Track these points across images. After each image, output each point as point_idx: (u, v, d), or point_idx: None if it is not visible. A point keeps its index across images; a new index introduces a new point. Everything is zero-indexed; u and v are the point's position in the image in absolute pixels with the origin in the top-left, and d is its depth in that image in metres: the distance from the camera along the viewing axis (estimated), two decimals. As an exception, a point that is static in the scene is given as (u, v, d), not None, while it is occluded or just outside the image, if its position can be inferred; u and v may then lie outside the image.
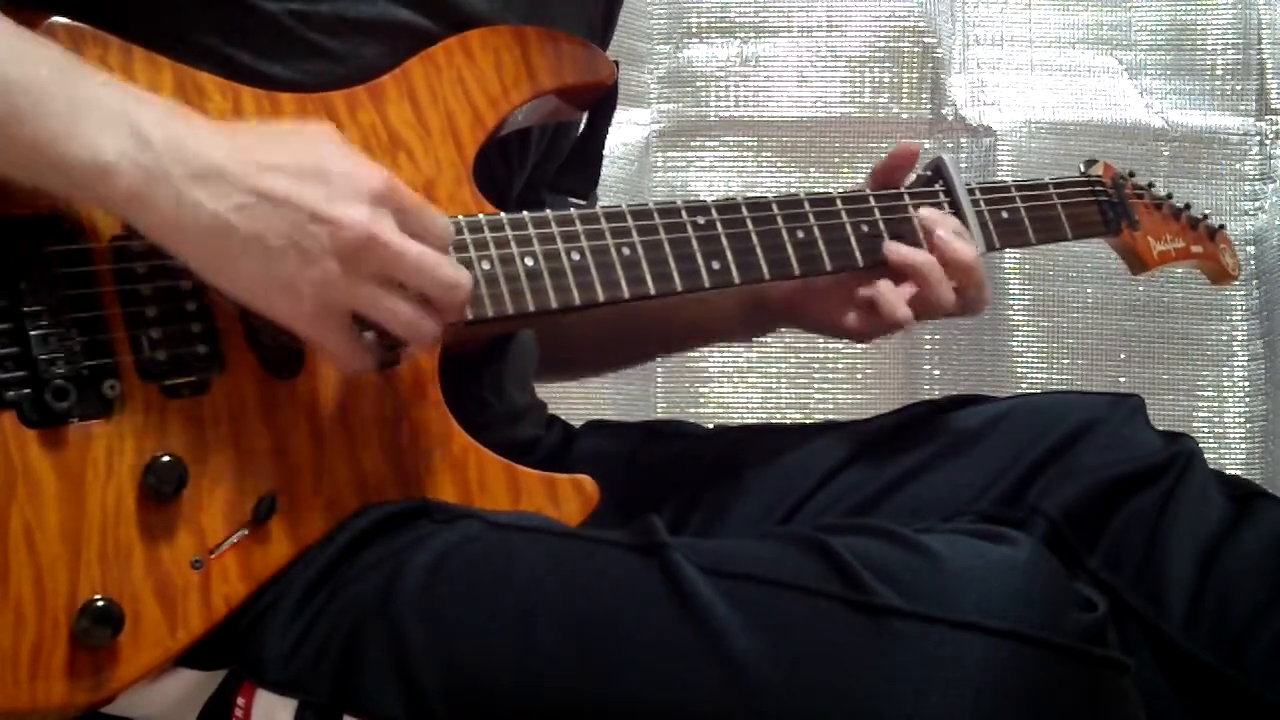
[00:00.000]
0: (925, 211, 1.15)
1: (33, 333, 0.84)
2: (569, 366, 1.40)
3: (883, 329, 1.14)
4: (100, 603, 0.82)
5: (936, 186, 1.18)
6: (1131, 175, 1.35)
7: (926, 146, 2.09)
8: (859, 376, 2.09)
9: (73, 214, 0.87)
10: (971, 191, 1.19)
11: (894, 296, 1.11)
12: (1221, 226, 1.42)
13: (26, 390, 0.83)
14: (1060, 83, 2.14)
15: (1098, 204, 1.29)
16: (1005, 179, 1.26)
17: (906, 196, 1.16)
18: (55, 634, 0.82)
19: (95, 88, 0.84)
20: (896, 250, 1.12)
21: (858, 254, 1.12)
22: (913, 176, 1.20)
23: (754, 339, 1.31)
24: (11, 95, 0.81)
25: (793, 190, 1.12)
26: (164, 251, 0.86)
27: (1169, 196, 1.39)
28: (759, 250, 1.08)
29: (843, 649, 0.76)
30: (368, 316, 0.87)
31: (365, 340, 0.89)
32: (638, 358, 1.45)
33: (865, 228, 1.13)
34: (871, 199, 1.14)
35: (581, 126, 1.20)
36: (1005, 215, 1.20)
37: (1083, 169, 1.32)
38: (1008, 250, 1.34)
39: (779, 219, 1.09)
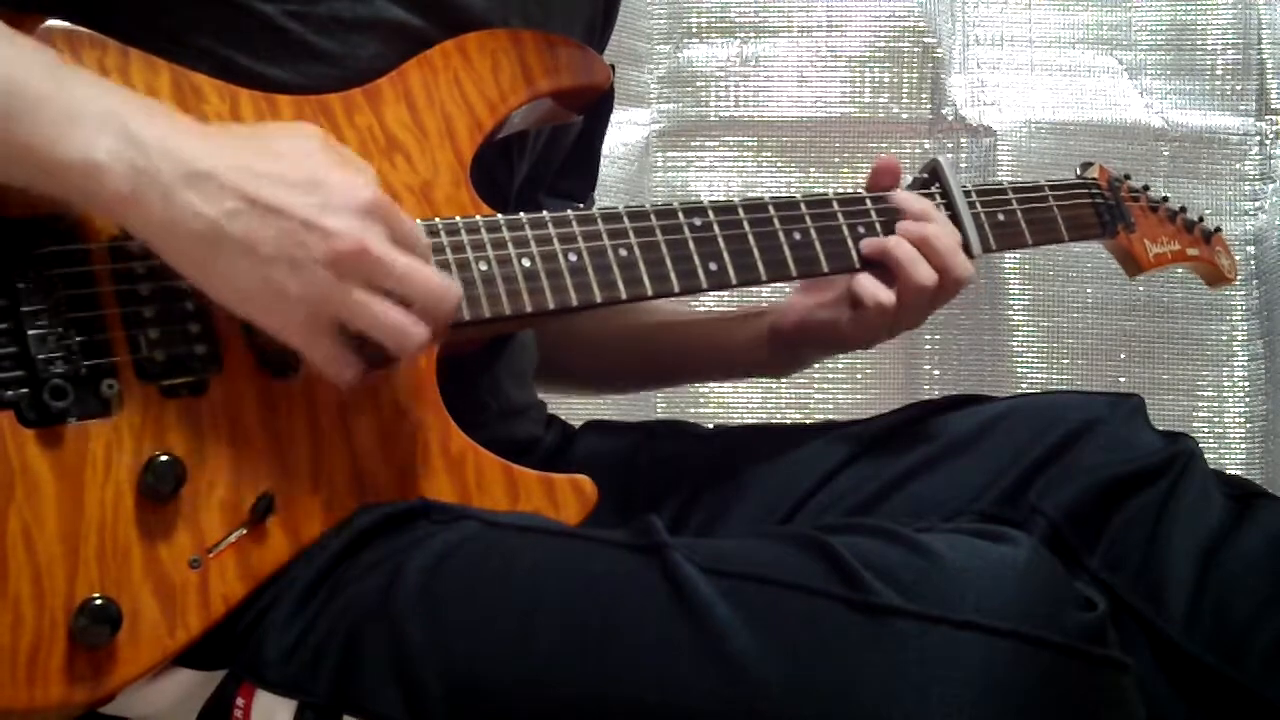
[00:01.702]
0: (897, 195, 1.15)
1: (31, 332, 0.85)
2: (581, 383, 1.41)
3: (874, 323, 1.13)
4: (98, 601, 0.82)
5: (933, 189, 1.19)
6: (1127, 178, 1.36)
7: (926, 146, 2.09)
8: (859, 376, 2.09)
9: (70, 215, 0.87)
10: (968, 194, 1.19)
11: (870, 282, 1.11)
12: (1218, 229, 1.42)
13: (24, 390, 0.84)
14: (1060, 83, 2.14)
15: (1094, 206, 1.29)
16: (1003, 180, 1.26)
17: None
18: (53, 633, 0.82)
19: (87, 90, 0.84)
20: (868, 244, 1.13)
21: (854, 256, 1.12)
22: (909, 179, 1.20)
23: (784, 376, 1.31)
24: (3, 98, 0.81)
25: (792, 190, 1.12)
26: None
27: (1165, 199, 1.39)
28: (756, 252, 1.08)
29: (843, 649, 0.75)
30: (356, 324, 0.87)
31: (353, 351, 0.89)
32: (653, 381, 1.45)
33: (862, 230, 1.13)
34: (868, 201, 1.14)
35: (579, 129, 1.20)
36: (1002, 217, 1.20)
37: (1079, 172, 1.32)
38: (1008, 251, 1.34)
39: (776, 221, 1.09)
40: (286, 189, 0.85)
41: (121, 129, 0.82)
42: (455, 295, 0.90)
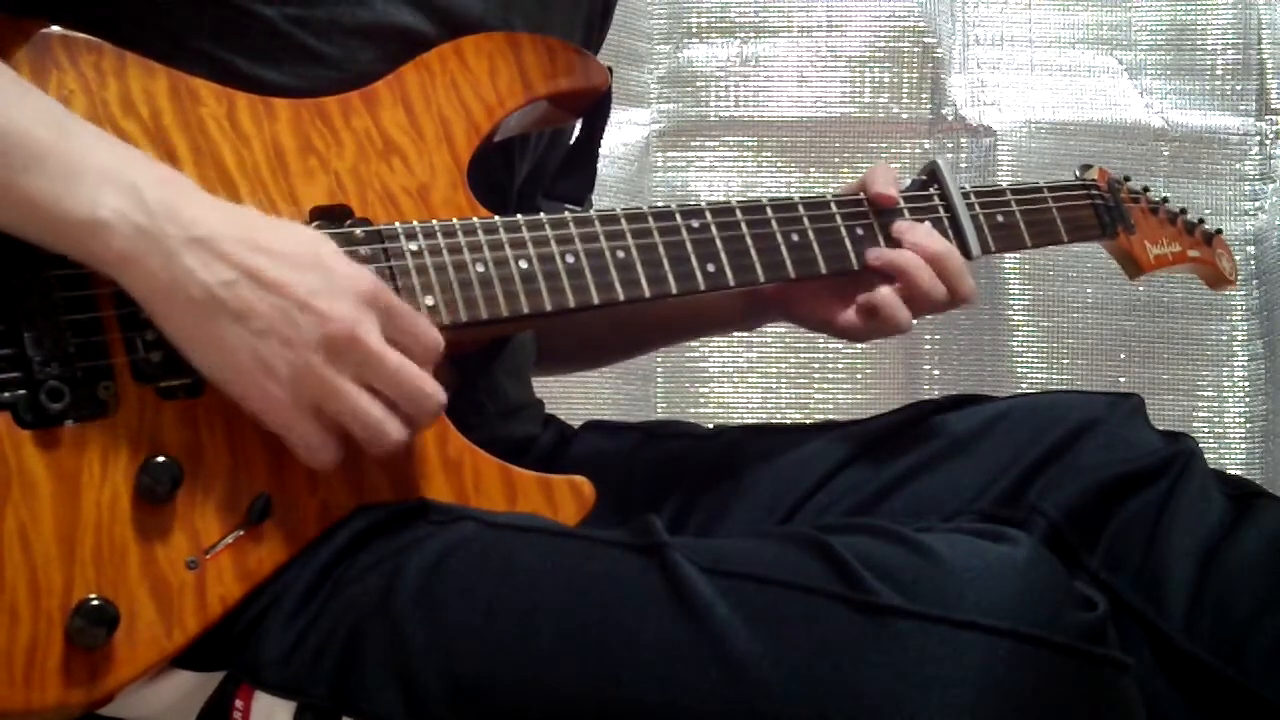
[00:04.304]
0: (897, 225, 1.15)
1: (28, 334, 0.85)
2: (565, 360, 1.40)
3: (882, 332, 1.14)
4: (95, 602, 0.82)
5: (931, 190, 1.18)
6: (1127, 179, 1.35)
7: (926, 146, 2.10)
8: (859, 376, 2.09)
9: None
10: (966, 195, 1.19)
11: (896, 302, 1.12)
12: (1219, 231, 1.42)
13: (21, 391, 0.84)
14: (1060, 83, 2.14)
15: (1093, 207, 1.29)
16: (1002, 181, 1.26)
17: (901, 200, 1.16)
18: (50, 634, 0.82)
19: (94, 146, 0.84)
20: (879, 255, 1.13)
21: (852, 256, 1.12)
22: (907, 180, 1.20)
23: (749, 330, 1.31)
24: (8, 152, 0.81)
25: (792, 190, 1.12)
26: None
27: (1166, 200, 1.39)
28: (754, 253, 1.08)
29: (843, 648, 0.75)
30: (336, 413, 0.87)
31: (333, 437, 0.88)
32: (634, 350, 1.45)
33: (860, 230, 1.13)
34: (865, 202, 1.14)
35: (577, 131, 1.20)
36: (1001, 219, 1.20)
37: (1078, 173, 1.32)
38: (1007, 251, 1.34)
39: (773, 222, 1.09)
40: (286, 266, 0.85)
41: (127, 187, 0.83)
42: (439, 400, 0.90)
